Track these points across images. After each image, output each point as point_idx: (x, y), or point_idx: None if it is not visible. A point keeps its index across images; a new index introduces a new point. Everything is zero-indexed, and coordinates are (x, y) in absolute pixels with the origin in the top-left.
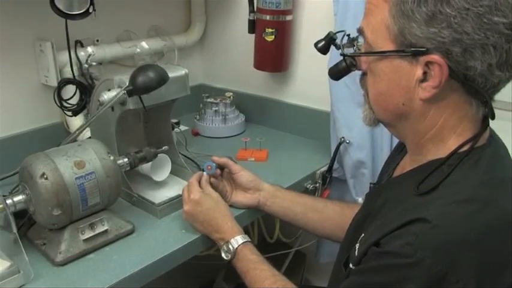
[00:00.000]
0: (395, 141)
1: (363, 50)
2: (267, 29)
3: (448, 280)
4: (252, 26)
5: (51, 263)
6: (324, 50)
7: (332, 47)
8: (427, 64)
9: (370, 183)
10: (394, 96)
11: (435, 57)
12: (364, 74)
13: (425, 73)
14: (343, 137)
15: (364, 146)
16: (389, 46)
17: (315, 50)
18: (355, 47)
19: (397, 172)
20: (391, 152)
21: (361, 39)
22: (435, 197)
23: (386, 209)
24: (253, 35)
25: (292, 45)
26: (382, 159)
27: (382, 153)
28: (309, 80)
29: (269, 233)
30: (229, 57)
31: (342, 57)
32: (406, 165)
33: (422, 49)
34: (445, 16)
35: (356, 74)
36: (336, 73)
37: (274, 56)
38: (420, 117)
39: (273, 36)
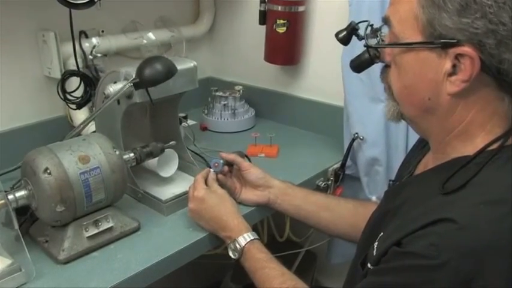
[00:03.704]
0: (411, 137)
1: (386, 41)
2: (278, 20)
3: (474, 285)
4: (263, 17)
5: (54, 261)
6: (345, 41)
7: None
8: (457, 57)
9: (390, 181)
10: (420, 90)
11: (466, 49)
12: (386, 67)
13: (454, 66)
14: (356, 133)
15: (379, 143)
16: (417, 37)
17: (328, 42)
18: (378, 38)
19: (419, 170)
20: (406, 149)
21: (384, 30)
22: (462, 197)
23: (408, 207)
24: (264, 26)
25: (304, 37)
26: (397, 157)
27: (397, 150)
28: (321, 74)
29: (279, 231)
30: (239, 50)
31: (354, 51)
32: (429, 163)
33: (452, 41)
34: (479, 6)
35: (371, 69)
36: (359, 65)
37: (285, 49)
38: (447, 112)
39: (285, 28)
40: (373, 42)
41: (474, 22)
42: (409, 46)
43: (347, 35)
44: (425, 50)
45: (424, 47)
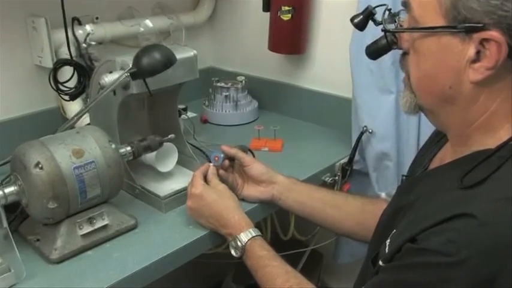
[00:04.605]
0: (423, 131)
1: (405, 26)
2: (283, 7)
3: (497, 285)
4: (267, 4)
5: (46, 261)
6: (361, 26)
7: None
8: (482, 42)
9: (402, 175)
10: (441, 79)
11: (493, 33)
12: (404, 54)
13: (478, 52)
14: (365, 126)
15: (389, 137)
16: (439, 21)
17: (336, 30)
18: (396, 23)
19: (435, 164)
20: (418, 143)
21: (403, 15)
22: (482, 192)
23: (423, 202)
24: (268, 13)
25: (310, 24)
26: (408, 151)
27: (408, 144)
28: (328, 64)
29: (283, 229)
30: (242, 38)
31: (363, 39)
32: (446, 156)
33: (478, 25)
34: None
35: (381, 58)
36: (375, 51)
37: (290, 37)
38: (469, 102)
39: (290, 15)
40: (391, 27)
41: (504, 4)
42: (430, 30)
43: (363, 20)
44: (448, 35)
45: (447, 31)
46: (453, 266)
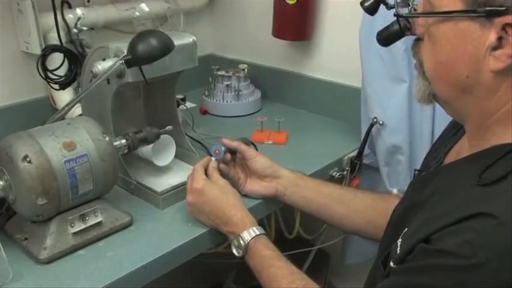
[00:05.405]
0: (438, 123)
1: (419, 10)
2: None
3: None
4: None
5: (34, 261)
6: (372, 10)
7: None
8: (504, 27)
9: (415, 170)
10: (457, 67)
11: None
12: (418, 40)
13: (500, 38)
14: (375, 118)
15: (401, 129)
16: (457, 5)
17: (344, 15)
18: (410, 7)
19: (450, 158)
20: (432, 135)
21: None
22: (502, 190)
23: (437, 200)
24: None
25: (317, 9)
26: (422, 144)
27: (421, 137)
28: (336, 51)
29: (288, 227)
30: (244, 23)
31: (374, 24)
32: (463, 150)
33: (500, 8)
34: None
35: (393, 45)
36: (387, 37)
37: (296, 22)
38: (488, 92)
39: None
40: (404, 11)
41: None
42: (447, 15)
43: (374, 3)
44: (466, 19)
45: (465, 16)
46: (470, 269)
